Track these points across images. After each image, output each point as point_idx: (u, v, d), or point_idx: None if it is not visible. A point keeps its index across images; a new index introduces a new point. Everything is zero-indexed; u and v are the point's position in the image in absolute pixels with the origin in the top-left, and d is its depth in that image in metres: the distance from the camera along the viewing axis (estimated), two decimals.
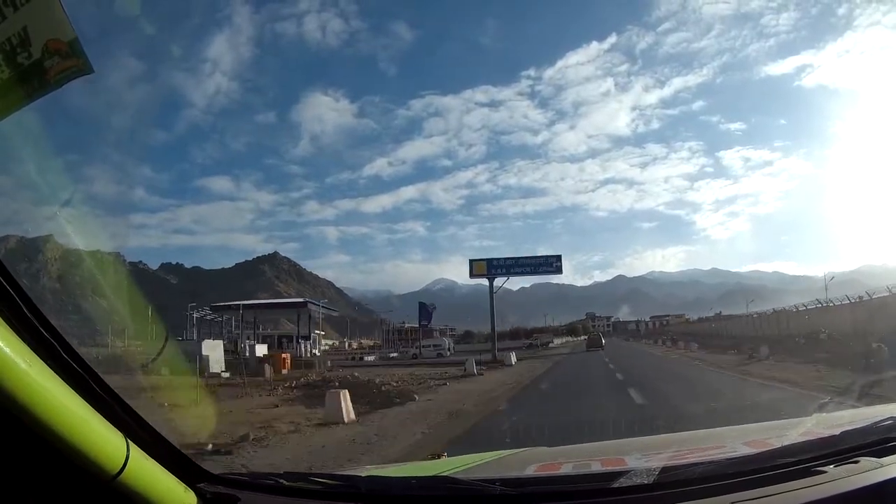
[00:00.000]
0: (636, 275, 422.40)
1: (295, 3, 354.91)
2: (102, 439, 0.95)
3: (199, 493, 1.18)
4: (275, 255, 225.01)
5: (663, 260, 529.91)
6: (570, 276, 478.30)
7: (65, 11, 2.05)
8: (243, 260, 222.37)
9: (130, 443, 1.00)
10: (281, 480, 1.36)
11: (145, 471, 1.02)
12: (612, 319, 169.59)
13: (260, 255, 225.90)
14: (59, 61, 2.07)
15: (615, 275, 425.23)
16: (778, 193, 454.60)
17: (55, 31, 2.04)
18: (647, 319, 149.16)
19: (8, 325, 0.86)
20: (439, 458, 2.33)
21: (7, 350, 0.81)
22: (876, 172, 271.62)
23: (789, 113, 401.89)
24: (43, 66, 2.05)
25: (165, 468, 1.10)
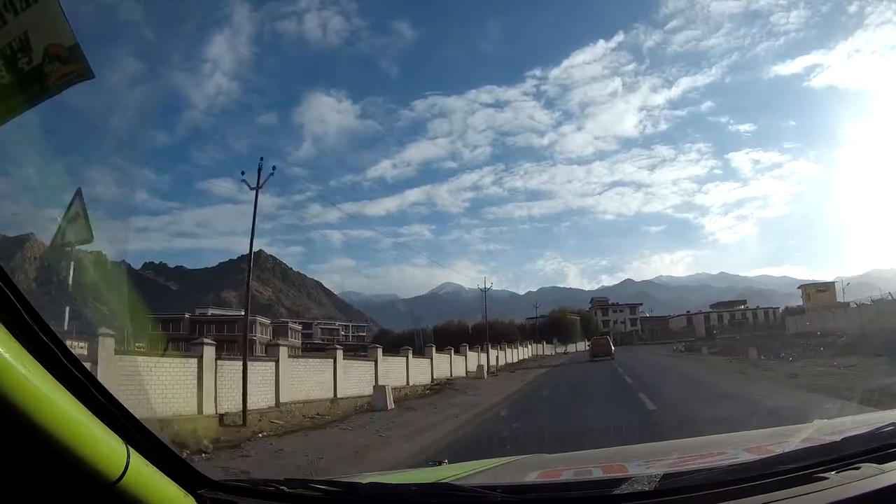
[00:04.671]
0: (644, 279, 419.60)
1: (294, 1, 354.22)
2: (103, 445, 0.94)
3: (199, 500, 1.18)
4: (259, 254, 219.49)
5: (671, 264, 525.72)
6: (577, 279, 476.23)
7: (65, 17, 2.07)
8: (227, 259, 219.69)
9: (131, 449, 1.00)
10: (281, 487, 1.36)
11: (145, 477, 1.02)
12: (640, 313, 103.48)
13: (243, 253, 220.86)
14: (60, 66, 2.09)
15: (623, 279, 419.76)
16: (787, 197, 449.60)
17: (56, 36, 2.06)
18: (708, 310, 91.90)
19: (8, 330, 0.85)
20: (440, 464, 2.33)
21: (7, 356, 0.81)
22: (886, 175, 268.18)
23: (799, 114, 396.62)
24: (43, 71, 2.07)
25: (166, 474, 1.09)
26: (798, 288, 71.35)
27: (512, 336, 55.16)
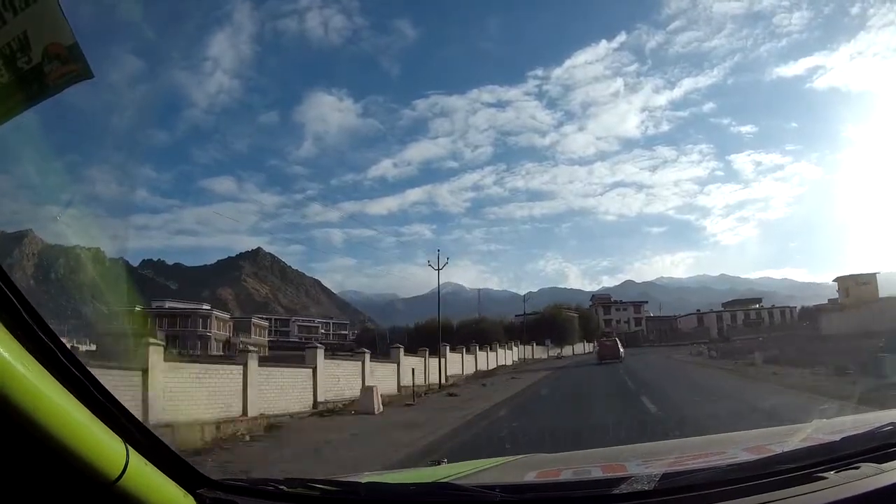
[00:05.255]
0: (644, 280, 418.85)
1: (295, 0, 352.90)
2: (102, 444, 0.95)
3: (199, 499, 1.18)
4: (257, 252, 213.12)
5: (672, 265, 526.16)
6: (578, 280, 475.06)
7: (64, 16, 2.07)
8: (226, 257, 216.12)
9: (130, 448, 1.00)
10: (280, 486, 1.36)
11: (145, 476, 1.03)
12: (645, 312, 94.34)
13: (242, 251, 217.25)
14: (59, 66, 2.09)
15: (623, 280, 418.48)
16: (788, 199, 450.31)
17: (55, 35, 2.06)
18: (721, 309, 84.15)
19: (7, 329, 0.86)
20: (439, 464, 2.33)
21: (6, 355, 0.81)
22: (888, 178, 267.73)
23: (801, 116, 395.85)
24: (43, 71, 2.07)
25: (165, 473, 1.10)
26: (833, 281, 61.54)
27: (495, 335, 45.66)
